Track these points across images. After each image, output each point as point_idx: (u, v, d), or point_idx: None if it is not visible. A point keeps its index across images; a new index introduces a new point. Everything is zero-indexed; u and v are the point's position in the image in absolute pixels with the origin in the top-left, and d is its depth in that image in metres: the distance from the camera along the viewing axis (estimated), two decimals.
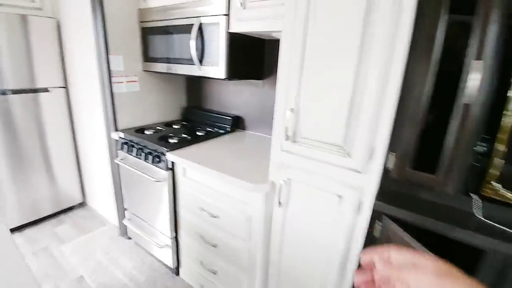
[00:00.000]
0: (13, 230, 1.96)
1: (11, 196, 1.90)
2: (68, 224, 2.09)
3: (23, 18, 1.79)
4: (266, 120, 1.66)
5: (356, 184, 0.90)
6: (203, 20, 1.33)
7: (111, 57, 1.58)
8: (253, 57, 1.52)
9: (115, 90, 1.62)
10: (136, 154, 1.49)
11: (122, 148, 1.58)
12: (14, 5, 1.80)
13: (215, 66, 1.34)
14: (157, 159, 1.41)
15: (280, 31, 0.94)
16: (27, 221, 2.01)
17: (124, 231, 1.91)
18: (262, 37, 1.48)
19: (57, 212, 2.18)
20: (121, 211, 1.86)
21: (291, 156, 1.01)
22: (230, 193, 1.18)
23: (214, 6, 1.28)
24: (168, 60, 1.55)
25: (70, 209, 2.26)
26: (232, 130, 1.75)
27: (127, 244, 1.87)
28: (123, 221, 1.82)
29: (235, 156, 1.34)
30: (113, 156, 1.73)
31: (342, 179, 0.92)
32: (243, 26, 1.24)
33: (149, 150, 1.45)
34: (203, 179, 1.28)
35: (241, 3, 1.20)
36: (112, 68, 1.59)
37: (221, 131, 1.71)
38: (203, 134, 1.63)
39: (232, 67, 1.35)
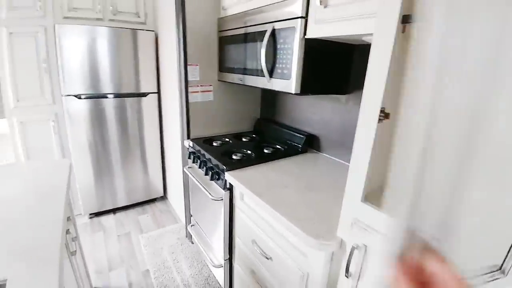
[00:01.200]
0: (108, 212, 2.24)
1: (118, 180, 2.19)
2: (149, 214, 2.25)
3: (133, 33, 1.97)
4: (347, 144, 1.32)
5: None
6: (277, 25, 1.10)
7: (189, 67, 1.53)
8: (337, 67, 1.20)
9: (190, 99, 1.58)
10: (200, 166, 1.40)
11: (189, 157, 1.53)
12: (124, 21, 2.00)
13: (286, 79, 1.10)
14: (217, 176, 1.27)
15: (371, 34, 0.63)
16: (121, 205, 2.27)
17: (189, 235, 1.91)
18: (350, 42, 1.14)
19: (144, 201, 2.39)
20: (188, 216, 1.84)
21: (375, 213, 0.68)
22: (287, 236, 0.93)
23: (290, 8, 1.03)
24: (241, 71, 1.39)
25: (153, 200, 2.45)
26: (304, 151, 1.47)
27: (190, 249, 1.86)
28: (188, 227, 1.81)
29: (301, 186, 1.07)
30: (184, 163, 1.72)
31: None
32: (323, 29, 0.94)
33: (211, 165, 1.33)
34: (259, 210, 1.06)
35: (321, 1, 0.91)
36: (189, 78, 1.55)
37: (292, 151, 1.46)
38: (270, 152, 1.42)
39: (306, 81, 1.08)
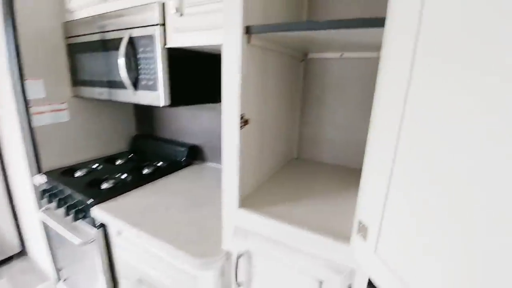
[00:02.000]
0: None
1: None
2: (5, 279, 1.63)
3: None
4: None
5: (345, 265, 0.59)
6: (135, 32, 0.99)
7: (27, 82, 1.19)
8: (207, 76, 1.19)
9: (35, 122, 1.23)
10: (58, 206, 1.10)
11: (43, 197, 1.19)
12: None
13: (153, 91, 1.00)
14: (82, 214, 1.03)
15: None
16: None
17: None
18: (216, 52, 1.17)
19: None
20: (57, 269, 1.44)
21: (252, 216, 0.68)
22: (175, 264, 0.84)
23: (147, 14, 0.95)
24: (101, 84, 1.19)
25: (8, 260, 1.79)
26: (189, 163, 1.40)
27: None
28: (59, 284, 1.41)
29: (186, 204, 1.00)
30: (38, 204, 1.33)
31: (329, 258, 0.61)
32: (183, 39, 0.91)
33: (73, 202, 1.07)
34: (141, 242, 0.92)
35: (177, 9, 0.88)
36: (30, 96, 1.20)
37: (175, 166, 1.36)
38: (150, 171, 1.27)
39: (176, 92, 1.02)
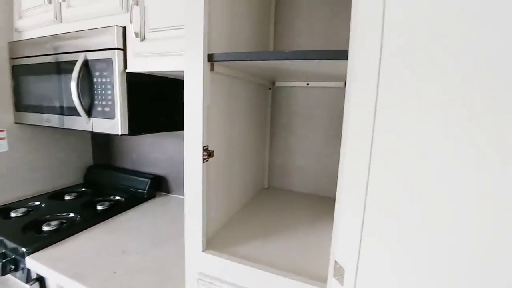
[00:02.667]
0: None
1: None
2: None
3: None
4: None
5: None
6: (91, 55, 0.92)
7: None
8: (170, 103, 1.13)
9: None
10: None
11: None
12: None
13: (110, 119, 0.91)
14: (13, 266, 0.85)
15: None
16: None
17: None
18: (179, 78, 1.12)
19: None
20: None
21: (220, 262, 0.60)
22: None
23: (106, 37, 0.89)
24: (49, 109, 1.06)
25: None
26: (151, 196, 1.28)
27: None
28: None
29: (144, 244, 0.87)
30: None
31: None
32: (144, 64, 0.85)
33: (3, 250, 0.88)
34: None
35: (136, 34, 0.83)
36: None
37: (136, 199, 1.23)
38: (106, 208, 1.13)
39: (135, 119, 0.94)
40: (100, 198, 1.22)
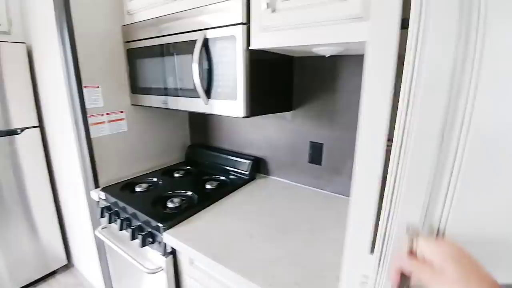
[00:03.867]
0: None
1: None
2: None
3: None
4: (298, 164, 1.19)
5: None
6: (210, 33, 0.88)
7: (85, 90, 1.12)
8: (281, 82, 1.06)
9: (93, 133, 1.16)
10: (121, 227, 1.01)
11: (103, 215, 1.10)
12: None
13: (230, 100, 0.88)
14: (151, 239, 0.93)
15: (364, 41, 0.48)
16: None
17: None
18: (291, 54, 1.03)
19: (39, 279, 1.69)
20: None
21: None
22: None
23: (226, 13, 0.83)
24: (164, 91, 1.09)
25: (52, 274, 1.77)
26: (252, 178, 1.27)
27: None
28: None
29: (270, 230, 0.86)
30: (94, 223, 1.26)
31: None
32: (272, 39, 0.77)
33: (139, 223, 0.97)
34: (223, 278, 0.79)
35: (268, 4, 0.74)
36: (88, 104, 1.14)
37: (239, 180, 1.23)
38: (214, 187, 1.15)
39: (254, 100, 0.88)
40: (205, 177, 1.26)
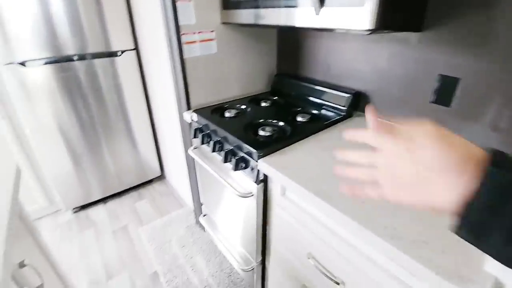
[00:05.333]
0: (97, 202, 1.88)
1: (103, 163, 1.78)
2: (147, 200, 1.91)
3: None
4: (412, 102, 0.96)
5: None
6: None
7: (178, 4, 1.04)
8: None
9: (186, 53, 1.13)
10: (214, 149, 1.02)
11: (195, 136, 1.14)
12: None
13: (354, 7, 0.67)
14: (243, 164, 0.91)
15: None
16: (112, 193, 1.91)
17: (200, 222, 1.61)
18: None
19: (139, 185, 2.03)
20: (197, 204, 1.52)
21: None
22: (376, 259, 0.62)
23: None
24: (261, 3, 0.93)
25: (149, 182, 2.09)
26: (349, 115, 1.10)
27: (203, 239, 1.57)
28: (199, 217, 1.49)
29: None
30: (186, 143, 1.33)
31: None
32: None
33: (231, 147, 0.95)
34: (320, 215, 0.74)
35: None
36: (181, 21, 1.07)
37: (331, 115, 1.09)
38: (306, 121, 1.04)
39: (387, 6, 0.66)
40: (295, 109, 1.15)
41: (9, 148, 1.51)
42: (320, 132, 0.97)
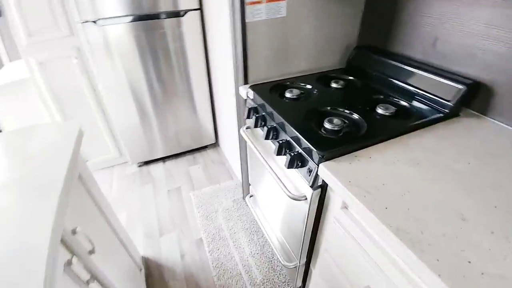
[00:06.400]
0: (157, 160, 1.99)
1: (167, 124, 1.83)
2: (201, 166, 1.93)
3: None
4: None
5: None
6: None
7: None
8: None
9: (248, 16, 0.93)
10: (267, 136, 0.86)
11: (249, 116, 0.99)
12: None
13: None
14: (299, 163, 0.74)
15: None
16: (170, 153, 1.98)
17: (247, 195, 1.55)
18: None
19: (194, 149, 2.07)
20: (245, 182, 1.44)
21: None
22: None
23: None
24: None
25: (204, 148, 2.10)
26: (454, 113, 0.79)
27: (248, 216, 1.52)
28: (245, 197, 1.42)
29: (492, 209, 0.49)
30: (240, 120, 1.20)
31: None
32: None
33: (287, 138, 0.78)
34: (391, 251, 0.54)
35: None
36: None
37: (428, 110, 0.80)
38: (389, 115, 0.78)
39: None
40: (378, 97, 0.89)
41: (87, 102, 1.63)
42: (409, 135, 0.72)
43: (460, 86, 0.76)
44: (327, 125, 0.74)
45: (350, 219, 0.63)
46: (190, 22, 1.53)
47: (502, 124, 0.75)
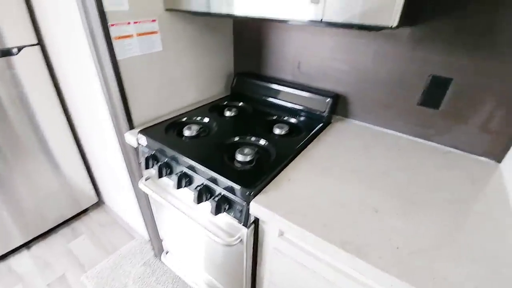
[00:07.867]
0: (19, 249, 1.37)
1: (12, 202, 1.26)
2: (85, 236, 1.48)
3: None
4: (398, 104, 0.86)
5: None
6: None
7: None
8: None
9: (119, 53, 0.78)
10: (179, 185, 0.74)
11: (149, 166, 0.83)
12: None
13: None
14: (226, 206, 0.67)
15: None
16: (35, 235, 1.41)
17: (159, 251, 1.30)
18: None
19: (71, 218, 1.56)
20: (155, 239, 1.21)
21: None
22: None
23: None
24: None
25: (84, 212, 1.63)
26: (328, 121, 0.95)
27: (169, 275, 1.27)
28: (160, 256, 1.19)
29: (397, 202, 0.59)
30: (133, 172, 0.99)
31: None
32: None
33: (203, 183, 0.69)
34: (340, 264, 0.57)
35: None
36: (107, 6, 0.72)
37: (311, 123, 0.91)
38: (285, 133, 0.84)
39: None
40: (271, 118, 0.94)
41: None
42: (307, 148, 0.79)
43: (327, 99, 0.91)
44: (239, 157, 0.71)
45: (290, 245, 0.62)
46: (27, 61, 1.15)
47: (361, 122, 0.96)
